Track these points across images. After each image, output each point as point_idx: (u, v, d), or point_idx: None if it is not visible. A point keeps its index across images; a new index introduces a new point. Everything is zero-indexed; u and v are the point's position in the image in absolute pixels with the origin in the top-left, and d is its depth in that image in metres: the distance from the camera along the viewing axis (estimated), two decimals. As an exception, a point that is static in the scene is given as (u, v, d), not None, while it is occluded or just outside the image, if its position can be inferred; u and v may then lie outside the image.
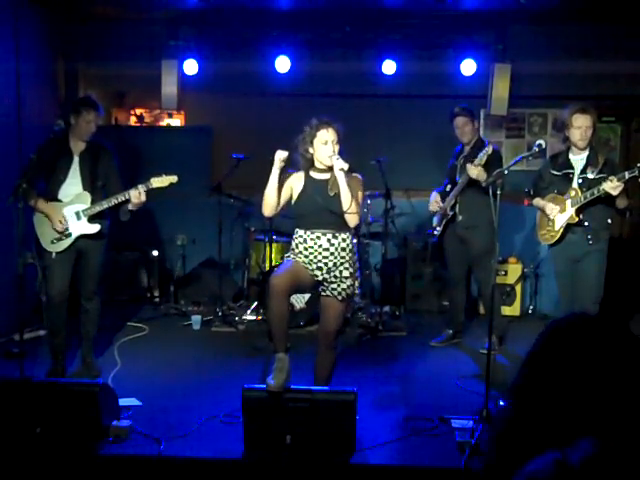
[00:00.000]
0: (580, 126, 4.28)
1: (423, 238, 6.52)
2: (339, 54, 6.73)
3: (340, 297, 3.67)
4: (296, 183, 3.75)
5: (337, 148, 3.63)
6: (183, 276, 6.81)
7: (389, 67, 6.61)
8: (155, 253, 6.79)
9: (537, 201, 4.59)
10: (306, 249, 3.67)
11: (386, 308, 6.23)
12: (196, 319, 5.90)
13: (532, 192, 4.65)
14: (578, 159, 4.41)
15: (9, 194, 3.85)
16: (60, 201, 4.32)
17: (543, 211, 4.52)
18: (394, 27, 6.60)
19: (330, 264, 3.65)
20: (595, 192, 4.19)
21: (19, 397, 3.42)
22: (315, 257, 3.66)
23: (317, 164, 3.72)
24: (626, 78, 6.60)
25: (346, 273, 3.67)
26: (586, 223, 4.33)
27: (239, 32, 6.62)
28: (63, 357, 4.46)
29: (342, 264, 3.67)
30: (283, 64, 6.62)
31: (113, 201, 4.30)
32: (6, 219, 4.19)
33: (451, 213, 5.21)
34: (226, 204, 6.20)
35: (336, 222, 3.66)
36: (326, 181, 3.70)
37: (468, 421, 3.66)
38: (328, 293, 3.71)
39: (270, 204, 3.68)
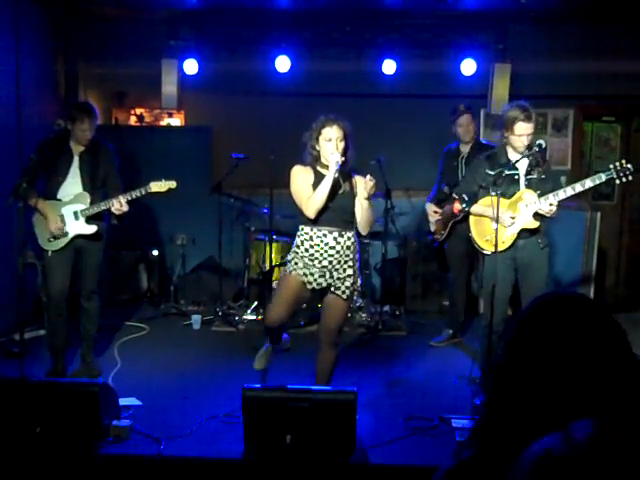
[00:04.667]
0: (522, 134, 4.02)
1: (423, 239, 6.53)
2: (339, 54, 6.73)
3: (345, 296, 3.73)
4: (309, 178, 3.75)
5: (341, 145, 3.65)
6: (183, 276, 6.81)
7: (389, 67, 6.61)
8: (155, 253, 6.79)
9: (478, 208, 4.19)
10: (312, 247, 3.69)
11: (386, 308, 6.23)
12: (196, 319, 5.90)
13: (467, 197, 4.25)
14: (521, 159, 4.12)
15: (9, 194, 3.85)
16: (59, 200, 4.33)
17: (491, 218, 4.09)
18: (394, 27, 6.60)
19: (334, 262, 3.69)
20: (571, 190, 3.92)
21: (19, 397, 3.42)
22: (321, 255, 3.68)
23: (323, 160, 3.72)
24: (626, 78, 6.60)
25: (349, 271, 3.73)
26: (539, 226, 4.12)
27: (239, 32, 6.63)
28: (63, 357, 4.47)
29: (346, 262, 3.73)
30: (283, 64, 6.62)
31: (109, 204, 4.31)
32: (6, 219, 4.19)
33: (462, 215, 5.16)
34: (226, 204, 6.20)
35: (343, 220, 3.71)
36: (335, 178, 3.67)
37: (468, 421, 3.66)
38: (333, 290, 3.75)
39: (320, 206, 3.63)
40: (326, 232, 3.68)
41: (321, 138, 3.66)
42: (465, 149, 5.35)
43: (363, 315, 6.06)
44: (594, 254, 5.94)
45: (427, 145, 6.68)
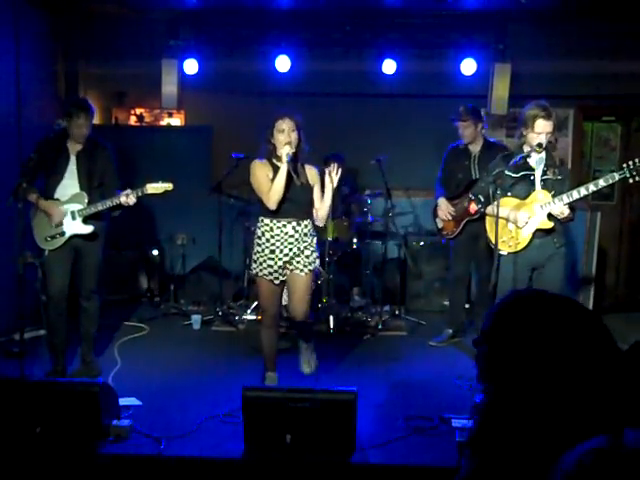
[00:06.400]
0: (541, 132, 4.01)
1: (422, 238, 6.54)
2: (339, 54, 6.72)
3: (304, 273, 4.05)
4: (267, 172, 4.03)
5: (294, 135, 3.95)
6: (183, 276, 6.81)
7: (389, 67, 6.61)
8: (155, 253, 6.78)
9: (494, 209, 3.97)
10: (272, 237, 4.03)
11: (386, 308, 6.23)
12: (196, 319, 5.90)
13: (483, 198, 4.23)
14: (537, 159, 4.14)
15: (9, 194, 3.86)
16: (57, 200, 4.34)
17: (509, 220, 4.15)
18: (394, 27, 6.60)
19: (295, 249, 4.02)
20: (584, 190, 3.93)
21: (19, 397, 3.42)
22: (282, 243, 4.02)
23: (279, 153, 3.97)
24: (626, 78, 6.60)
25: (307, 252, 4.07)
26: (554, 226, 4.12)
27: (239, 32, 6.62)
28: (63, 357, 4.47)
29: (306, 248, 4.06)
30: (283, 64, 6.62)
31: (108, 203, 4.31)
32: (6, 219, 4.20)
33: (478, 215, 5.13)
34: (226, 204, 6.20)
35: (300, 210, 4.05)
36: (288, 169, 3.95)
37: (468, 421, 3.66)
38: (292, 271, 4.05)
39: (280, 197, 3.94)
40: (285, 222, 4.02)
41: (275, 131, 3.97)
42: (475, 148, 5.31)
43: (363, 315, 6.06)
44: (594, 254, 5.93)
45: (427, 145, 6.68)
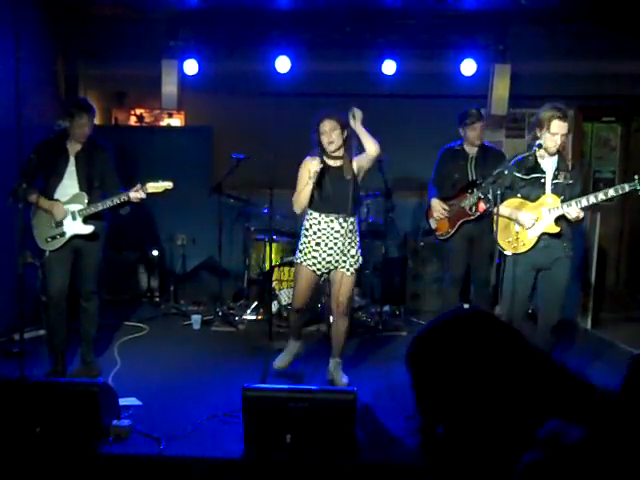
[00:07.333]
0: (557, 133, 4.01)
1: (424, 239, 6.53)
2: (339, 54, 6.73)
3: (349, 272, 4.25)
4: (312, 168, 4.12)
5: (335, 134, 4.13)
6: (183, 276, 6.81)
7: (389, 67, 6.62)
8: (155, 253, 6.79)
9: (502, 210, 4.09)
10: (319, 230, 4.20)
11: (386, 308, 6.23)
12: (196, 319, 5.90)
13: (492, 197, 4.19)
14: (549, 162, 4.14)
15: (9, 195, 3.86)
16: (57, 201, 4.33)
17: (514, 220, 4.17)
18: (394, 27, 6.61)
19: (340, 244, 4.19)
20: (593, 198, 3.93)
21: (19, 397, 3.42)
22: (327, 237, 4.20)
23: (328, 150, 4.19)
24: (626, 78, 6.60)
25: (353, 252, 4.26)
26: (561, 231, 4.12)
27: (239, 32, 6.63)
28: (63, 357, 4.47)
29: (350, 244, 4.23)
30: (283, 64, 6.63)
31: (108, 203, 4.31)
32: (6, 219, 4.20)
33: (477, 214, 5.12)
34: (226, 204, 6.20)
35: (348, 206, 4.16)
36: (339, 168, 4.21)
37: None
38: (339, 269, 4.23)
39: (304, 205, 4.19)
40: (333, 218, 4.19)
41: (320, 133, 4.18)
42: (472, 150, 5.31)
43: (363, 315, 6.06)
44: (594, 254, 5.94)
45: (427, 145, 6.65)
